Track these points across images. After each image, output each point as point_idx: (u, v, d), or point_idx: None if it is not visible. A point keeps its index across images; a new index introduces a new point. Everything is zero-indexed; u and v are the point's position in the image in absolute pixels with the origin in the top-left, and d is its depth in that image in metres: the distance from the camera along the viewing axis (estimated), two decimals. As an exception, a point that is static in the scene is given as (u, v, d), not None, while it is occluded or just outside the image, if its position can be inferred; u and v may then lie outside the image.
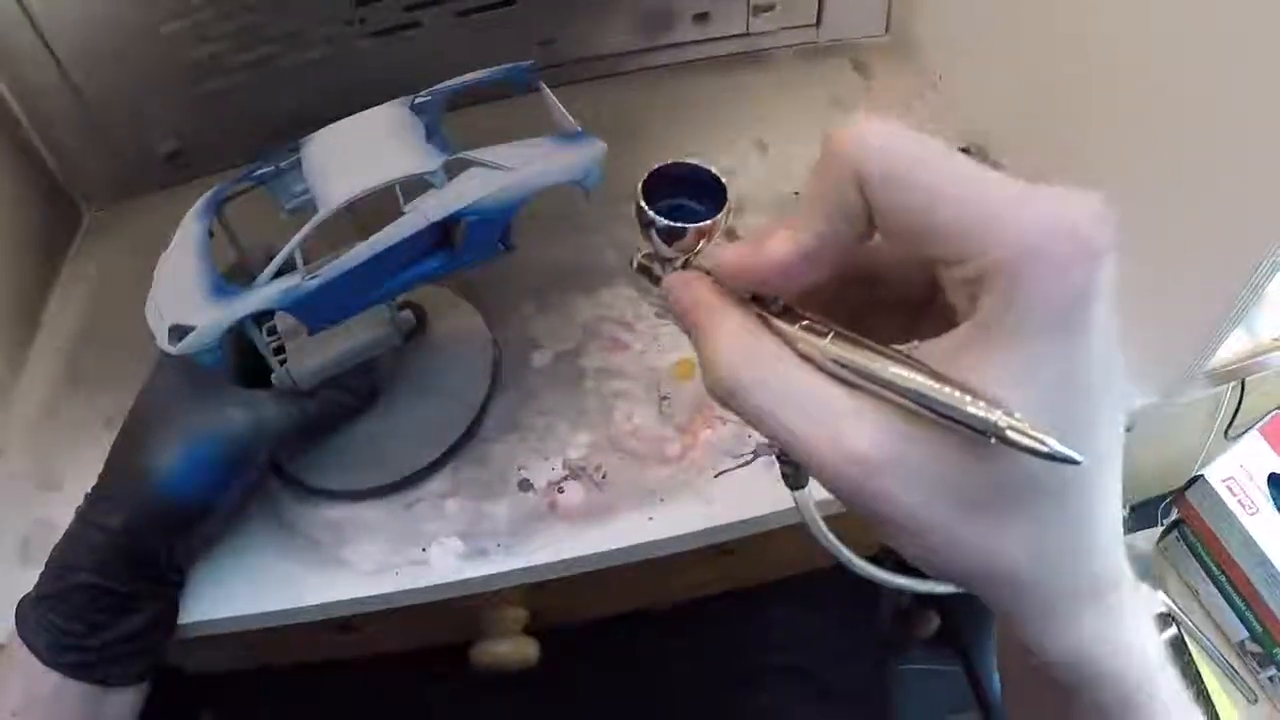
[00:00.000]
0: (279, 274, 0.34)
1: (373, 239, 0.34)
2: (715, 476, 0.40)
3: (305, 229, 0.33)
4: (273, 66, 0.52)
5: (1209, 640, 0.71)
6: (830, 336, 0.18)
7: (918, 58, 0.56)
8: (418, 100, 0.38)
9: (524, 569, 0.39)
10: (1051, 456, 0.16)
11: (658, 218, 0.22)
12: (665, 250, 0.23)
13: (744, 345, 0.19)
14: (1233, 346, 0.48)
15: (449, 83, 0.38)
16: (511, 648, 0.46)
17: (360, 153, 0.35)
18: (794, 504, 0.29)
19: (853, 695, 0.55)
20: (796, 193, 0.50)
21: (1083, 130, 0.42)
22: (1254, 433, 0.67)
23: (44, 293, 0.53)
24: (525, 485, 0.41)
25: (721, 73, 0.57)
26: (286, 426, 0.37)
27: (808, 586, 0.55)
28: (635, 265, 0.25)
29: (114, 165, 0.55)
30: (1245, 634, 0.69)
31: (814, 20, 0.56)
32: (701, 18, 0.56)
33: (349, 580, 0.39)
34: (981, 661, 0.57)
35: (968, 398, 0.16)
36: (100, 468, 0.37)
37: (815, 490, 0.28)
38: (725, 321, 0.20)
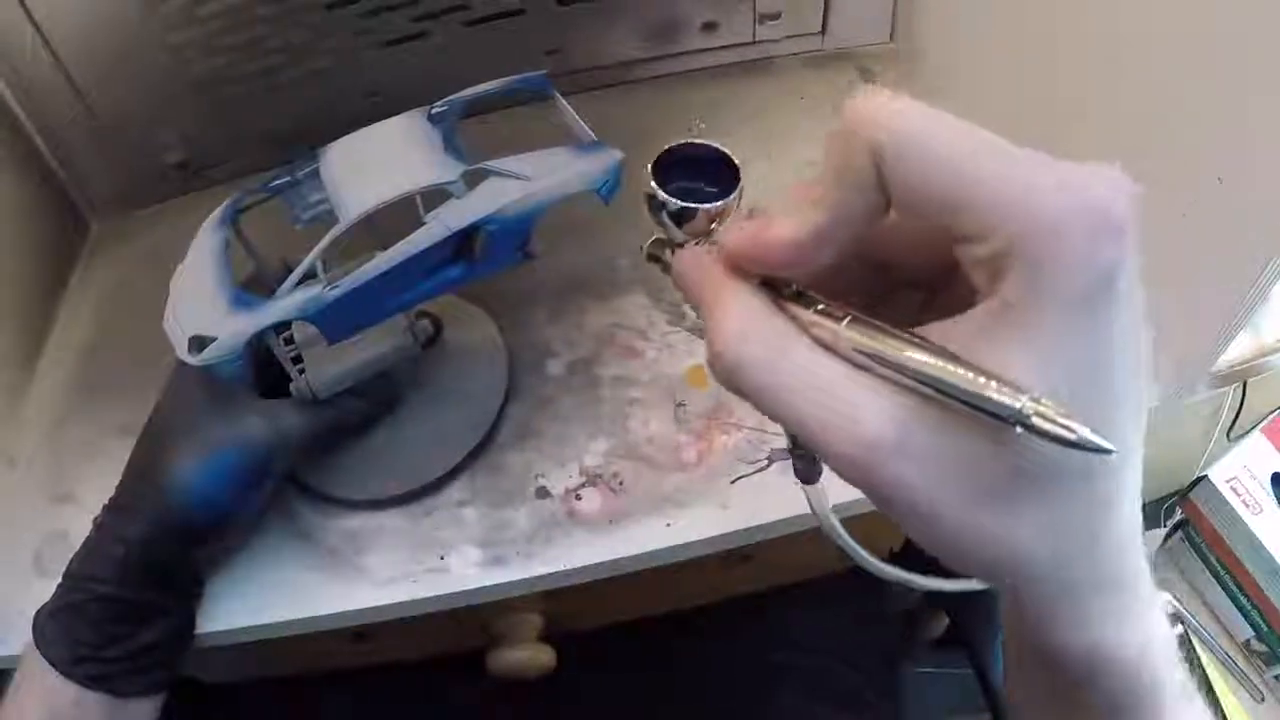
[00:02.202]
0: (300, 284, 0.34)
1: (393, 249, 0.34)
2: (731, 482, 0.41)
3: (325, 240, 0.33)
4: (281, 77, 0.52)
5: (1215, 640, 0.71)
6: (846, 320, 0.18)
7: (922, 65, 0.56)
8: (434, 110, 0.38)
9: (542, 576, 0.39)
10: (1080, 445, 0.15)
11: (669, 199, 0.22)
12: (676, 234, 0.22)
13: (753, 322, 0.18)
14: (1237, 348, 0.49)
15: (465, 93, 0.39)
16: (528, 654, 0.46)
17: (379, 163, 0.35)
18: (806, 501, 0.29)
19: (864, 697, 0.55)
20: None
21: (1087, 137, 0.42)
22: (1257, 433, 0.68)
23: (53, 303, 0.53)
24: (543, 493, 0.41)
25: (728, 81, 0.57)
26: (305, 436, 0.37)
27: (819, 589, 0.55)
28: (645, 252, 0.24)
29: (122, 175, 0.55)
30: (1251, 633, 0.69)
31: (819, 28, 0.57)
32: (709, 26, 0.56)
33: (367, 589, 0.39)
34: (991, 664, 0.57)
35: (991, 383, 0.15)
36: (113, 477, 0.37)
37: (829, 486, 0.28)
38: (734, 298, 0.19)
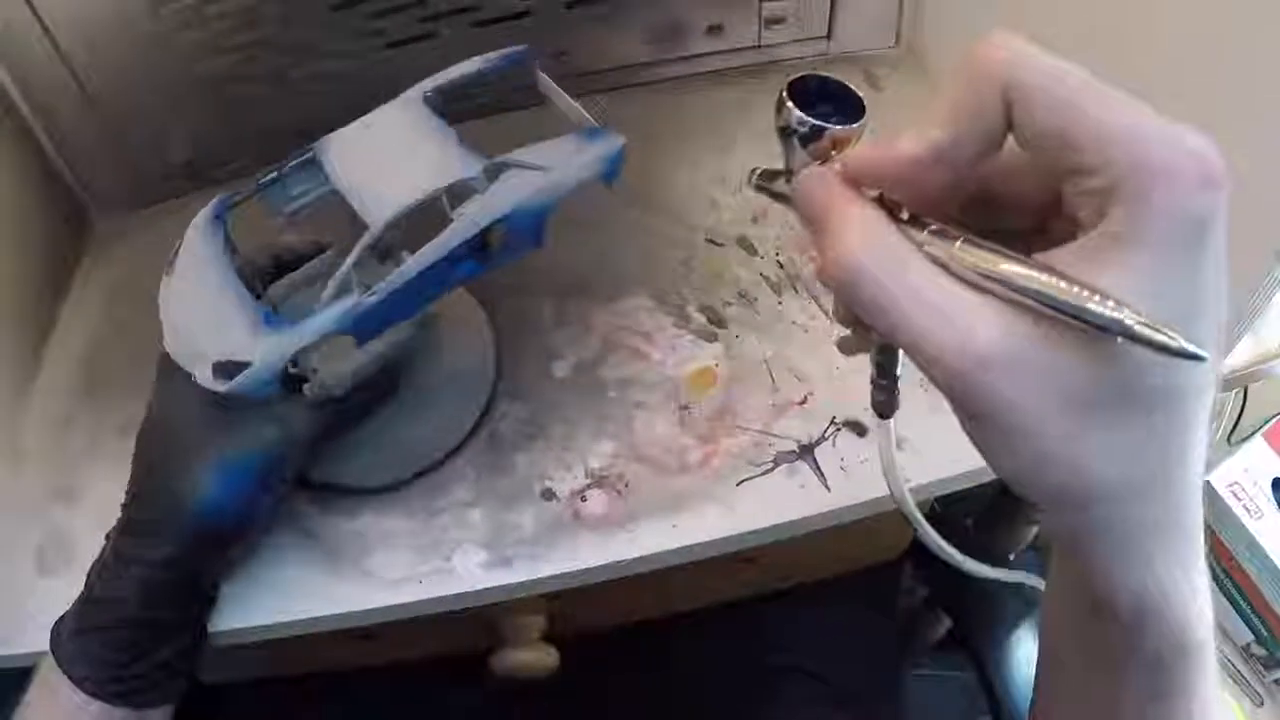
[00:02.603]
0: (337, 296, 0.33)
1: (424, 250, 0.34)
2: (737, 485, 0.41)
3: (357, 249, 0.32)
4: (288, 76, 0.52)
5: (1215, 644, 0.71)
6: (960, 241, 0.19)
7: (928, 70, 0.56)
8: (428, 94, 0.37)
9: (548, 577, 0.39)
10: (1179, 352, 0.16)
11: (804, 117, 0.23)
12: (800, 158, 0.23)
13: (873, 235, 0.19)
14: (1239, 353, 0.49)
15: (449, 74, 0.38)
16: (531, 655, 0.46)
17: (395, 161, 0.35)
18: (878, 439, 0.30)
19: (865, 700, 0.55)
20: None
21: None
22: (1258, 438, 0.68)
23: (57, 301, 0.53)
24: (548, 494, 0.41)
25: (733, 84, 0.57)
26: (316, 433, 0.37)
27: (822, 592, 0.55)
28: (754, 178, 0.25)
29: (128, 174, 0.55)
30: (1251, 637, 0.69)
31: (825, 33, 0.57)
32: (714, 30, 0.56)
33: (373, 589, 0.39)
34: (994, 667, 0.57)
35: (1095, 295, 0.17)
36: (116, 476, 0.36)
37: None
38: (857, 212, 0.20)
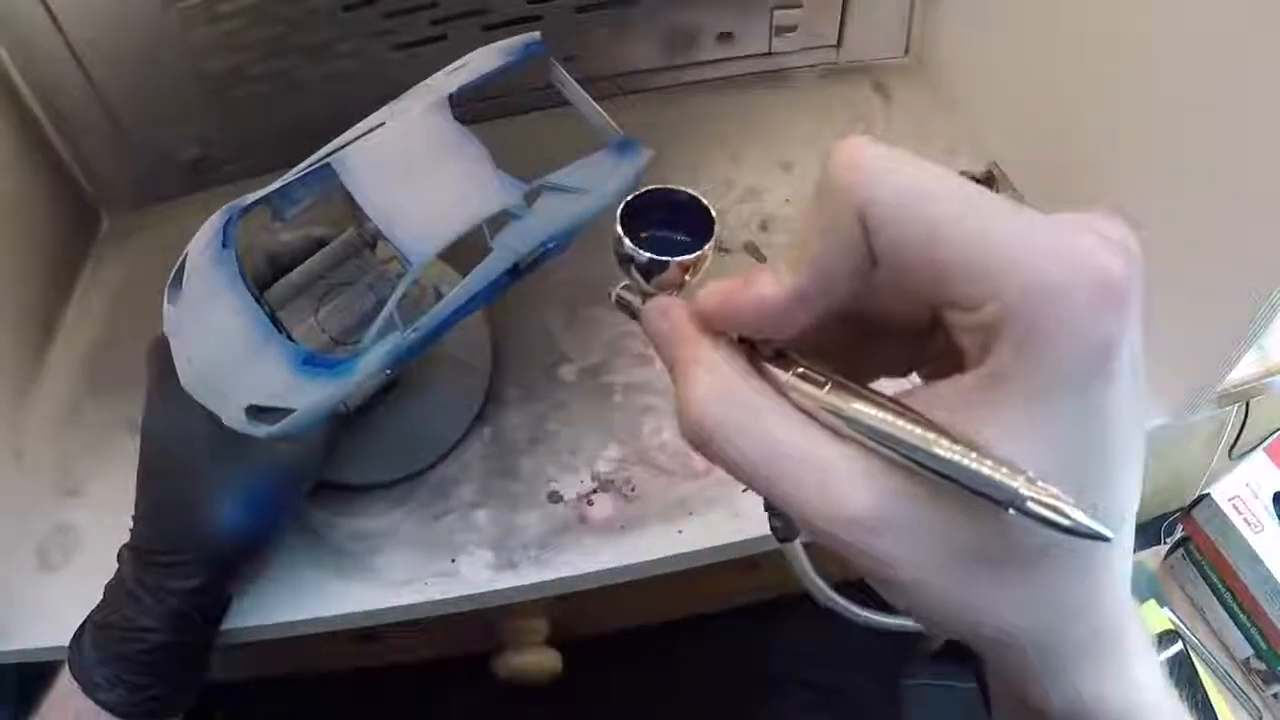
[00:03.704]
0: (380, 336, 0.32)
1: (466, 282, 0.33)
2: (743, 491, 0.41)
3: (400, 289, 0.32)
4: (298, 77, 0.52)
5: (1214, 657, 0.71)
6: (828, 386, 0.17)
7: (937, 79, 0.57)
8: (451, 96, 0.36)
9: (553, 581, 0.39)
10: (1076, 532, 0.14)
11: (637, 251, 0.20)
12: (646, 286, 0.21)
13: (726, 385, 0.17)
14: (1242, 368, 0.49)
15: (470, 69, 0.37)
16: (533, 659, 0.46)
17: (429, 184, 0.33)
18: (785, 556, 0.27)
19: (866, 709, 0.55)
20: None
21: (1100, 153, 0.42)
22: (1259, 452, 0.68)
23: (63, 297, 0.53)
24: (555, 497, 0.41)
25: (743, 92, 0.57)
26: (330, 442, 0.37)
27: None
28: (614, 298, 0.22)
29: (136, 171, 0.55)
30: (1250, 651, 0.69)
31: (835, 41, 0.57)
32: (725, 37, 0.56)
33: (378, 590, 0.39)
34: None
35: (986, 462, 0.15)
36: (119, 474, 0.36)
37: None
38: (706, 357, 0.18)
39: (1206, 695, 0.68)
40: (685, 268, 0.20)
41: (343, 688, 0.51)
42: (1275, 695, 0.68)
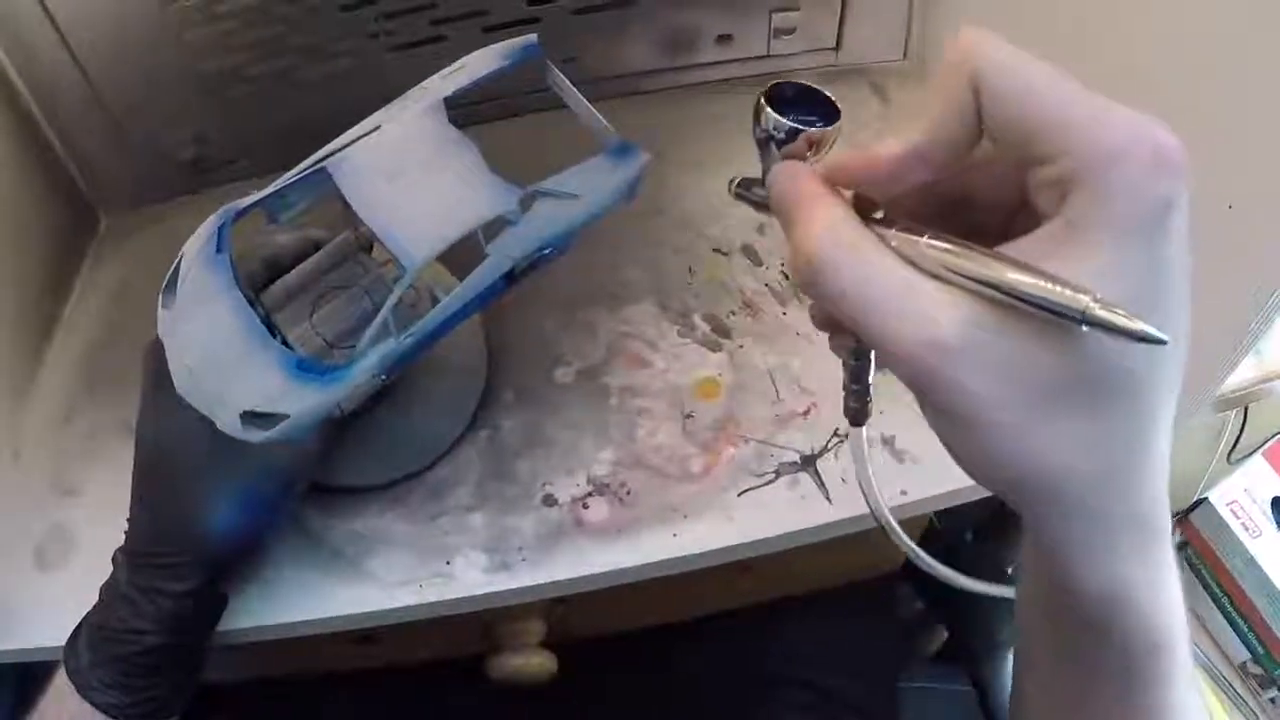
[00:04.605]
0: (374, 342, 0.32)
1: (460, 289, 0.33)
2: (739, 495, 0.41)
3: (395, 294, 0.32)
4: (296, 77, 0.52)
5: (1211, 662, 0.71)
6: (926, 235, 0.19)
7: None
8: (446, 99, 0.35)
9: (548, 583, 0.39)
10: (1139, 336, 0.16)
11: (780, 119, 0.23)
12: (777, 159, 0.24)
13: (840, 229, 0.20)
14: (1241, 373, 0.49)
15: (467, 72, 0.36)
16: (529, 661, 0.46)
17: (423, 189, 0.33)
18: (850, 445, 0.30)
19: (862, 711, 0.55)
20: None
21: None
22: (1258, 457, 0.68)
23: (61, 297, 0.53)
24: (550, 500, 0.41)
25: (742, 94, 0.57)
26: (324, 445, 0.37)
27: (819, 602, 0.55)
28: (734, 187, 0.26)
29: (133, 171, 0.55)
30: (1247, 655, 0.69)
31: (834, 44, 0.57)
32: (723, 39, 0.56)
33: (373, 592, 0.39)
34: (991, 680, 0.57)
35: (1057, 285, 0.17)
36: (116, 473, 0.36)
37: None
38: (826, 207, 0.20)
39: (1203, 699, 0.68)
40: (812, 141, 0.23)
41: (337, 689, 0.52)
42: (1272, 699, 0.68)
